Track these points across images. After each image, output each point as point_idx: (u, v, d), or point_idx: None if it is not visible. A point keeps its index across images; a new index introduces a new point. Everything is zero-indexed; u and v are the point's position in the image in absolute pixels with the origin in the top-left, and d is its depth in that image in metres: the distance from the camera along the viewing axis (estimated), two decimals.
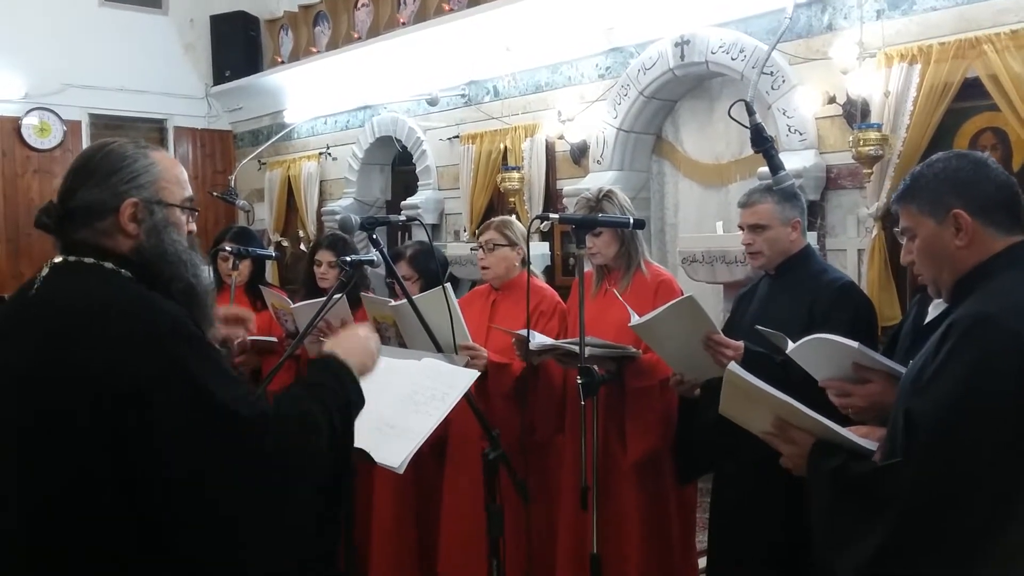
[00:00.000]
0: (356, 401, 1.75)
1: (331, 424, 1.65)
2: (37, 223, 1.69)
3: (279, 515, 1.57)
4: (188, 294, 1.69)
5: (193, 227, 1.76)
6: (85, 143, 9.29)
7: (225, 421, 1.52)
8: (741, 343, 2.62)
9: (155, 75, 9.46)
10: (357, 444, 1.91)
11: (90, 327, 1.53)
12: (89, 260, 1.64)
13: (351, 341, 1.84)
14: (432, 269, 3.79)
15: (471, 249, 3.87)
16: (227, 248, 4.07)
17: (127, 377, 1.48)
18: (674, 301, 2.71)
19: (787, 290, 2.84)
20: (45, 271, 1.67)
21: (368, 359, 1.85)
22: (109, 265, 1.63)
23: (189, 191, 1.76)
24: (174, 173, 1.73)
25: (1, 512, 1.56)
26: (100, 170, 1.66)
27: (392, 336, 3.32)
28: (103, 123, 9.42)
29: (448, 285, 3.17)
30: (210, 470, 1.50)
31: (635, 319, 2.71)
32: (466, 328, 3.17)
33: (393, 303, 3.25)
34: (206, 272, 1.75)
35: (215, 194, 7.47)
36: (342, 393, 1.72)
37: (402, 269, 3.70)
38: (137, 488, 1.49)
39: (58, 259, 1.67)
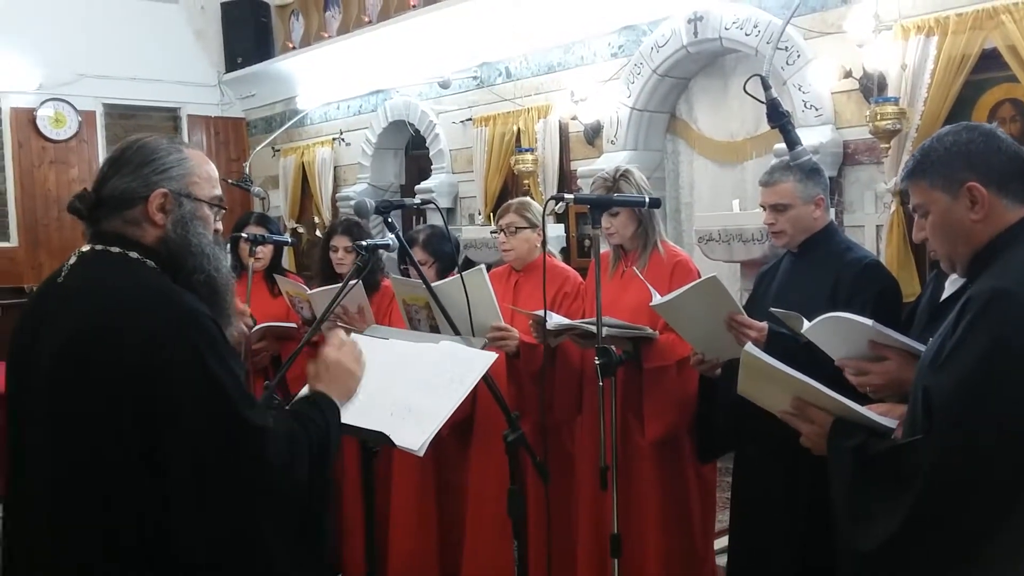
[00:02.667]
0: (335, 442, 1.81)
1: (311, 456, 1.70)
2: (70, 208, 1.74)
3: (261, 522, 1.61)
4: (209, 286, 1.73)
5: (219, 226, 1.80)
6: (100, 133, 9.34)
7: (233, 421, 1.57)
8: (765, 324, 2.60)
9: (167, 63, 9.47)
10: (377, 427, 1.94)
11: (117, 316, 1.58)
12: (115, 250, 1.68)
13: (332, 369, 1.90)
14: (447, 252, 3.80)
15: (491, 233, 3.86)
16: (245, 234, 4.09)
17: (150, 365, 1.53)
18: (698, 281, 2.70)
19: (810, 268, 2.80)
20: (72, 259, 1.71)
21: (351, 380, 1.93)
22: (135, 255, 1.68)
23: (219, 191, 1.80)
24: (205, 170, 1.77)
25: (34, 483, 1.62)
26: (133, 160, 1.71)
27: (423, 319, 3.32)
28: (117, 113, 9.45)
29: (483, 267, 3.17)
30: (210, 465, 1.55)
31: (656, 298, 2.70)
32: (499, 309, 3.17)
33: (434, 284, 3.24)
34: (228, 268, 1.79)
35: (230, 181, 7.49)
36: (325, 432, 1.77)
37: (416, 254, 3.71)
38: (153, 466, 1.55)
39: (85, 248, 1.71)
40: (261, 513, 1.60)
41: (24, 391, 1.66)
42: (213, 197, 1.77)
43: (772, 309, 2.47)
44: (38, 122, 8.99)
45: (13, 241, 8.94)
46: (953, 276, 1.94)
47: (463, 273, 2.95)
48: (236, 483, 1.57)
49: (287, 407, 1.82)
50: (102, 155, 9.09)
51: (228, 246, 4.26)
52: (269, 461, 1.60)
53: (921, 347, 1.90)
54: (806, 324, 2.17)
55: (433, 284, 3.03)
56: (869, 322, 1.99)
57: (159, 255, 1.70)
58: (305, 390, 1.92)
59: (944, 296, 2.06)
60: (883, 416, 1.85)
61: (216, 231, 1.79)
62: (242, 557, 1.59)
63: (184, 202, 1.71)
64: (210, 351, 1.58)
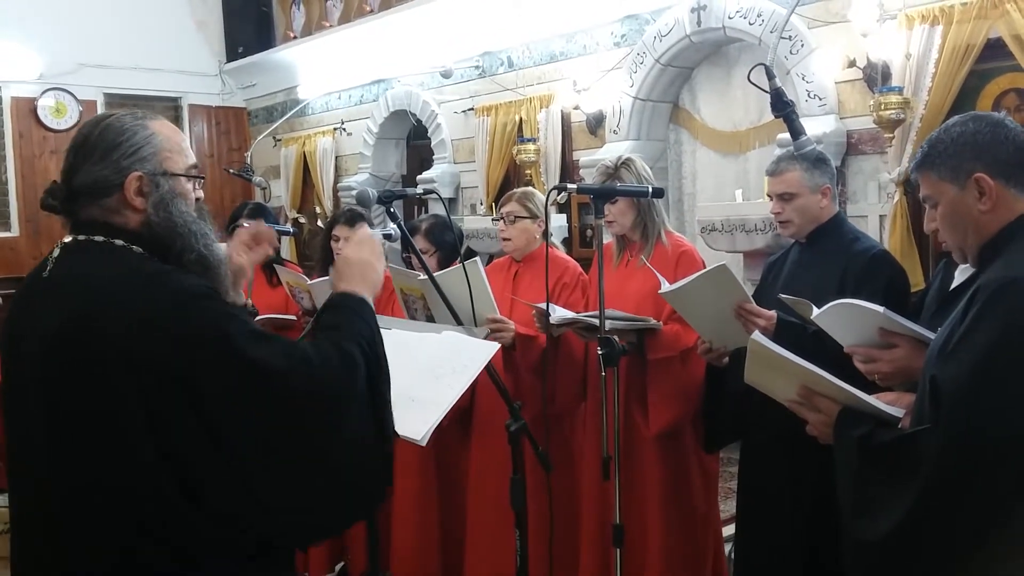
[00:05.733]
0: (378, 331, 1.76)
1: (367, 360, 1.65)
2: (43, 205, 1.67)
3: (323, 460, 1.57)
4: (201, 264, 1.66)
5: (200, 194, 1.73)
6: None
7: (259, 375, 1.51)
8: (774, 313, 2.59)
9: (169, 53, 9.45)
10: None
11: (112, 302, 1.52)
12: (99, 238, 1.61)
13: (354, 266, 1.82)
14: (449, 241, 3.79)
15: (492, 220, 3.86)
16: (245, 225, 4.07)
17: (158, 344, 1.48)
18: (707, 269, 2.69)
19: (818, 258, 2.80)
20: (56, 252, 1.64)
21: (374, 273, 1.84)
22: (120, 242, 1.61)
23: (192, 158, 1.73)
24: (175, 141, 1.70)
25: (33, 474, 1.59)
26: (100, 146, 1.63)
27: (419, 308, 3.31)
28: (118, 102, 9.42)
29: (477, 259, 3.16)
30: (248, 424, 1.50)
31: (665, 286, 2.69)
32: (495, 301, 3.16)
33: (422, 277, 3.23)
34: (217, 243, 1.72)
35: (231, 171, 7.49)
36: (367, 329, 1.71)
37: (418, 242, 3.69)
38: (176, 445, 1.49)
39: (68, 239, 1.65)
40: (310, 449, 1.56)
41: (14, 386, 1.62)
42: (188, 167, 1.70)
43: (781, 296, 2.46)
44: (39, 112, 8.98)
45: (14, 231, 8.95)
46: (963, 265, 1.93)
47: (453, 267, 2.93)
48: (275, 429, 1.52)
49: (324, 327, 1.73)
50: None
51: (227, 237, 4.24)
52: (311, 395, 1.55)
53: (931, 335, 1.89)
54: (815, 311, 2.15)
55: (423, 278, 3.02)
56: (879, 309, 1.98)
57: (145, 240, 1.63)
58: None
59: (954, 285, 2.04)
60: (891, 405, 1.84)
61: (198, 200, 1.72)
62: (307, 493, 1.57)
63: (161, 181, 1.64)
64: (224, 314, 1.54)
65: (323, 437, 1.57)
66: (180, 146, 1.70)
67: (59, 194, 1.65)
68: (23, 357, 1.59)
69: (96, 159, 1.62)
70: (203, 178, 1.75)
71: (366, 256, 1.84)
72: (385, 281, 3.84)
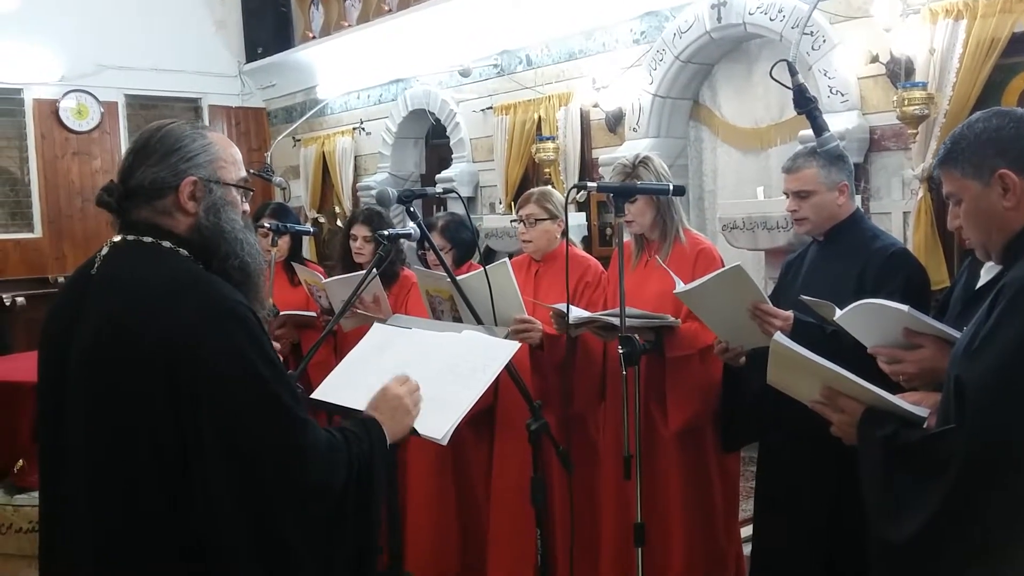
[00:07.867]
0: (380, 468, 1.76)
1: (349, 470, 1.68)
2: (98, 201, 1.73)
3: (285, 515, 1.59)
4: (243, 271, 1.72)
5: (247, 207, 1.80)
6: (122, 124, 9.38)
7: (273, 408, 1.57)
8: (790, 313, 2.56)
9: (188, 54, 9.51)
10: None
11: (156, 302, 1.58)
12: (148, 239, 1.67)
13: (390, 402, 1.87)
14: (465, 239, 3.79)
15: (511, 222, 3.86)
16: (266, 224, 4.10)
17: (187, 356, 1.53)
18: (722, 270, 2.67)
19: (836, 257, 2.76)
20: (105, 250, 1.71)
21: (407, 419, 1.89)
22: (167, 244, 1.67)
23: (244, 172, 1.79)
24: (230, 152, 1.76)
25: (70, 473, 1.63)
26: (159, 150, 1.69)
27: (446, 310, 3.32)
28: (139, 104, 9.49)
29: (507, 261, 3.15)
30: (246, 449, 1.54)
31: (680, 286, 2.67)
32: (523, 301, 3.15)
33: (449, 280, 3.24)
34: (260, 252, 1.79)
35: (251, 172, 7.50)
36: (367, 452, 1.74)
37: (434, 239, 3.69)
38: (187, 454, 1.54)
39: (117, 238, 1.71)
40: (286, 506, 1.58)
41: (57, 383, 1.66)
42: (240, 179, 1.77)
43: (803, 297, 2.44)
44: (61, 114, 9.04)
45: (37, 232, 9.02)
46: (989, 263, 1.91)
47: (488, 267, 2.93)
48: (269, 468, 1.55)
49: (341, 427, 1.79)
50: (124, 146, 9.14)
51: None
52: (306, 452, 1.59)
53: (956, 334, 1.87)
54: (838, 312, 2.13)
55: (458, 278, 3.02)
56: (904, 308, 1.96)
57: (192, 243, 1.69)
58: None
59: (980, 284, 2.01)
60: (916, 404, 1.82)
61: (244, 212, 1.78)
62: (260, 545, 1.57)
63: (214, 188, 1.71)
64: (249, 341, 1.58)
65: (296, 484, 1.59)
66: (234, 158, 1.77)
67: (115, 192, 1.71)
68: (67, 352, 1.64)
69: (155, 161, 1.69)
70: (252, 191, 1.82)
71: (406, 401, 1.89)
72: (402, 280, 3.87)
